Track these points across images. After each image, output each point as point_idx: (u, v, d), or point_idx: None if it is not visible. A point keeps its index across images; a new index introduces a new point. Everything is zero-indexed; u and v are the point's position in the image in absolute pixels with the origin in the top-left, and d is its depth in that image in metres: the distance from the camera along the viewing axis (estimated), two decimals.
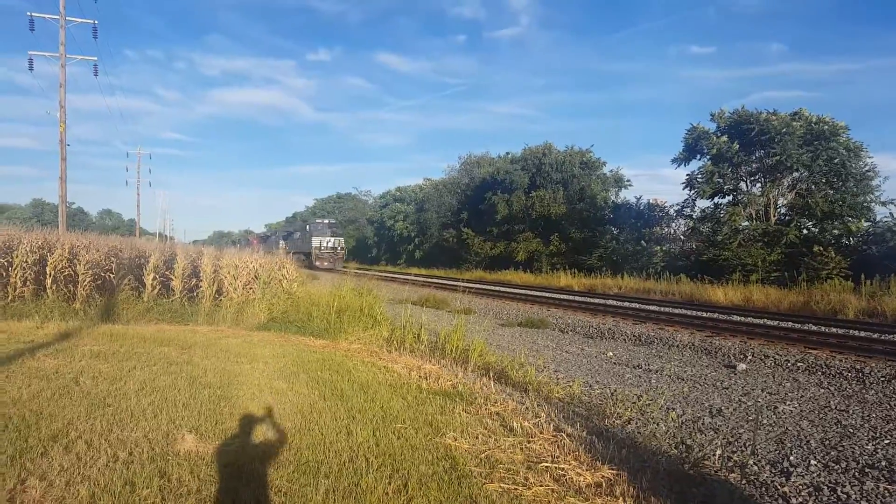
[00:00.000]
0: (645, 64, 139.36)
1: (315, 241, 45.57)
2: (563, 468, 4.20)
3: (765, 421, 6.16)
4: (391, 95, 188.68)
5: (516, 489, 3.77)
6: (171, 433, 4.47)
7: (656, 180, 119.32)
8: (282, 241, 53.04)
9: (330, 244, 46.04)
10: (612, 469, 4.19)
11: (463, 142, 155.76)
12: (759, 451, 5.19)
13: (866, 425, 6.03)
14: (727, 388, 7.69)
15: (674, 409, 6.61)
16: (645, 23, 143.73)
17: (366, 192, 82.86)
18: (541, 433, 5.01)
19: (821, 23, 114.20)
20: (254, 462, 4.01)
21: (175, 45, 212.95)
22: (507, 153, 49.74)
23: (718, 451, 5.07)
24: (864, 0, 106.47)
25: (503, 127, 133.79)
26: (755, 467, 4.80)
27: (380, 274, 34.70)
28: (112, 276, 12.62)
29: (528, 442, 4.76)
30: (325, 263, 44.30)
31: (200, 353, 7.76)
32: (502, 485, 3.82)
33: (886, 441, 5.49)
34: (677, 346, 11.10)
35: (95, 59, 28.29)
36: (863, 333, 12.50)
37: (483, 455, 4.35)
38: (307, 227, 49.55)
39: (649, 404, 6.65)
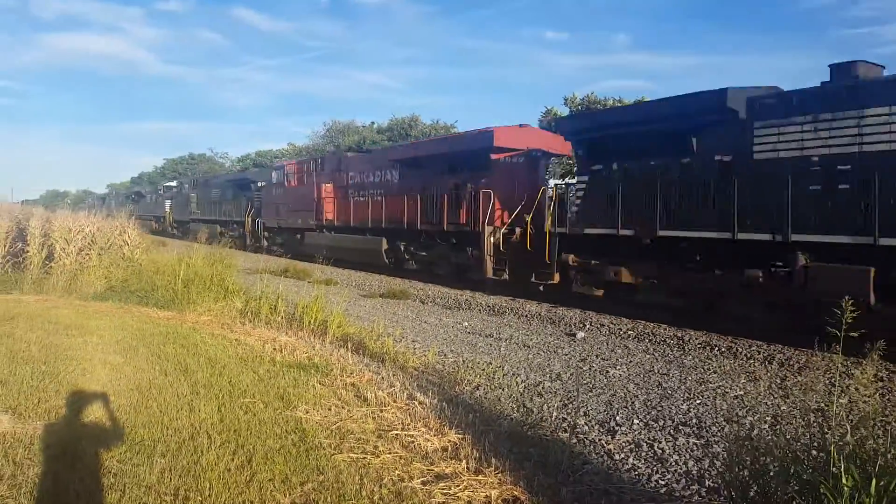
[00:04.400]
0: (505, 44, 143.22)
1: None
2: (413, 435, 4.33)
3: (597, 384, 6.76)
4: (249, 54, 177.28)
5: (365, 458, 3.83)
6: None
7: None
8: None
9: None
10: (459, 434, 4.39)
11: (327, 108, 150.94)
12: (590, 412, 5.71)
13: (682, 387, 6.81)
14: (567, 355, 8.33)
15: (518, 374, 7.05)
16: (505, 4, 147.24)
17: (223, 154, 78.11)
18: (394, 402, 5.12)
19: (661, 19, 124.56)
20: (81, 443, 3.72)
21: None
22: (373, 123, 49.34)
23: (555, 413, 5.50)
24: (697, 2, 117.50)
25: (368, 96, 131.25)
26: (586, 427, 5.27)
27: None
28: None
29: (381, 411, 4.84)
30: None
31: (24, 325, 7.00)
32: (351, 454, 3.87)
33: (698, 401, 6.24)
34: (526, 315, 11.79)
35: None
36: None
37: (335, 426, 4.37)
38: None
39: (497, 371, 7.04)
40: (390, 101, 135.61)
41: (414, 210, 16.87)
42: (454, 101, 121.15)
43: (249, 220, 27.78)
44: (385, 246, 18.39)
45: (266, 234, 26.42)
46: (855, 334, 2.98)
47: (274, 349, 6.78)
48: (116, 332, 7.18)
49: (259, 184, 28.13)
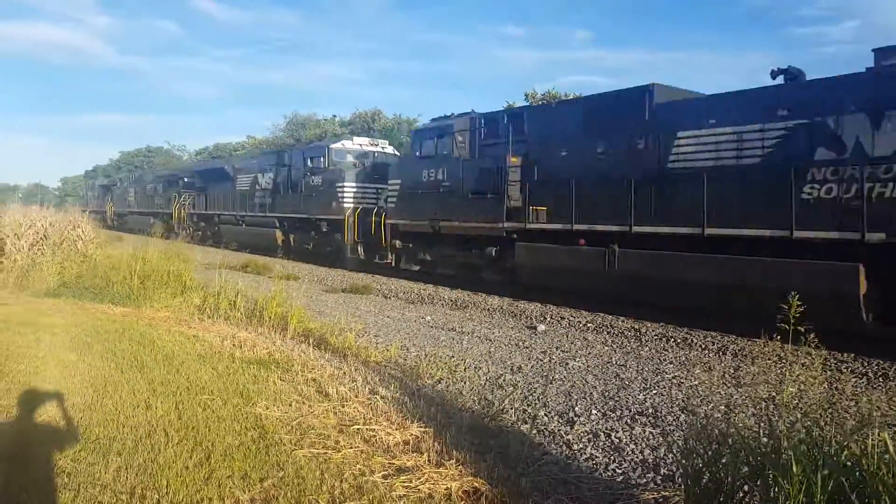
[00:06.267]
0: (466, 38, 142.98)
1: None
2: (375, 429, 4.34)
3: (557, 376, 6.88)
4: (206, 44, 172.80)
5: (326, 453, 3.83)
6: None
7: None
8: None
9: None
10: (421, 427, 4.41)
11: (286, 99, 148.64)
12: (550, 403, 5.81)
13: (639, 378, 6.98)
14: (528, 347, 8.45)
15: (480, 367, 7.12)
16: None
17: (180, 147, 76.17)
18: (356, 397, 5.12)
19: (618, 16, 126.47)
20: (32, 443, 3.62)
21: None
22: (335, 116, 48.81)
23: (516, 405, 5.58)
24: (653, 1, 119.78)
25: (328, 88, 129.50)
26: (545, 418, 5.36)
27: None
28: None
29: (343, 406, 4.83)
30: None
31: None
32: (312, 450, 3.86)
33: (654, 391, 6.40)
34: (488, 309, 11.90)
35: None
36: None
37: (295, 422, 4.35)
38: None
39: (459, 364, 7.09)
40: (351, 94, 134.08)
41: None
42: (416, 94, 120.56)
43: None
44: None
45: None
46: (801, 328, 3.12)
47: (233, 345, 6.69)
48: (70, 329, 7.00)
49: None
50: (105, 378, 5.10)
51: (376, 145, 21.18)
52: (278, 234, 22.08)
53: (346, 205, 18.18)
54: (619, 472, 4.30)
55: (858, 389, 6.37)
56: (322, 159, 20.17)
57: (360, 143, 20.91)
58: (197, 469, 3.42)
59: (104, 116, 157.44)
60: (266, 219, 22.81)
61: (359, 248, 17.96)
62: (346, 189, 18.52)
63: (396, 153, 21.43)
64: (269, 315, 8.42)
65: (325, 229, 19.52)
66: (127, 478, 3.26)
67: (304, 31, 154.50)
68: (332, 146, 20.39)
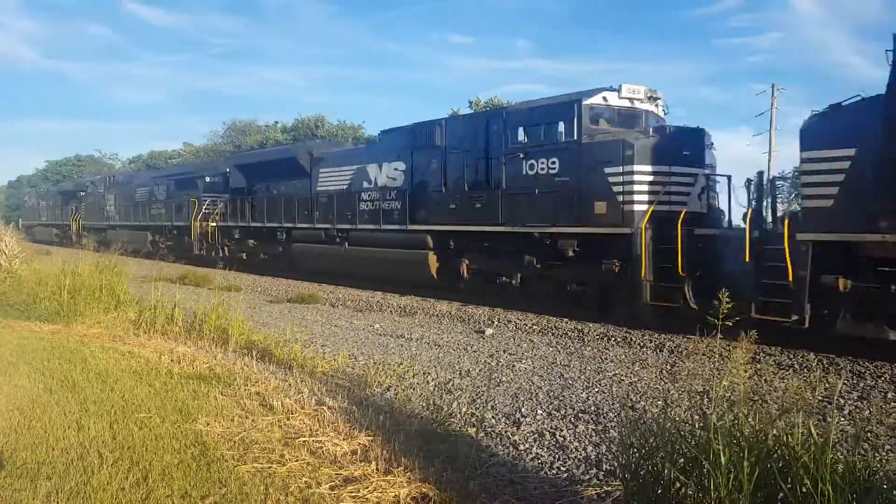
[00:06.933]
0: (410, 46, 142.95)
1: None
2: (321, 440, 4.28)
3: (504, 378, 6.96)
4: (144, 49, 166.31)
5: (270, 467, 3.76)
6: None
7: None
8: None
9: None
10: (369, 436, 4.39)
11: (229, 106, 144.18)
12: (498, 405, 5.87)
13: (582, 377, 7.14)
14: (476, 351, 8.52)
15: (429, 373, 7.13)
16: (408, 7, 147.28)
17: (112, 156, 73.24)
18: (302, 408, 5.04)
19: (558, 26, 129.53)
20: None
21: None
22: (277, 122, 47.96)
23: (464, 409, 5.61)
24: (596, 10, 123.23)
25: (273, 94, 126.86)
26: (493, 420, 5.42)
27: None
28: None
29: (288, 419, 4.76)
30: None
31: None
32: (256, 465, 3.78)
33: (596, 390, 6.56)
34: (437, 315, 11.93)
35: None
36: None
37: (238, 437, 4.25)
38: None
39: (408, 371, 7.08)
40: (294, 100, 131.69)
41: None
42: (360, 100, 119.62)
43: None
44: None
45: None
46: (730, 323, 3.29)
47: (171, 360, 6.48)
48: None
49: None
50: (33, 399, 4.85)
51: (654, 100, 11.96)
52: (432, 258, 13.75)
53: (636, 206, 10.11)
54: (564, 469, 4.39)
55: (785, 380, 6.72)
56: (561, 127, 11.27)
57: (629, 93, 11.49)
58: (133, 490, 3.29)
59: (28, 123, 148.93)
60: (400, 235, 14.37)
61: (686, 290, 9.43)
62: (635, 177, 10.18)
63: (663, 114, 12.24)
64: (209, 328, 8.18)
65: (570, 253, 11.05)
66: (57, 502, 3.11)
67: (247, 36, 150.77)
68: (587, 101, 11.11)
